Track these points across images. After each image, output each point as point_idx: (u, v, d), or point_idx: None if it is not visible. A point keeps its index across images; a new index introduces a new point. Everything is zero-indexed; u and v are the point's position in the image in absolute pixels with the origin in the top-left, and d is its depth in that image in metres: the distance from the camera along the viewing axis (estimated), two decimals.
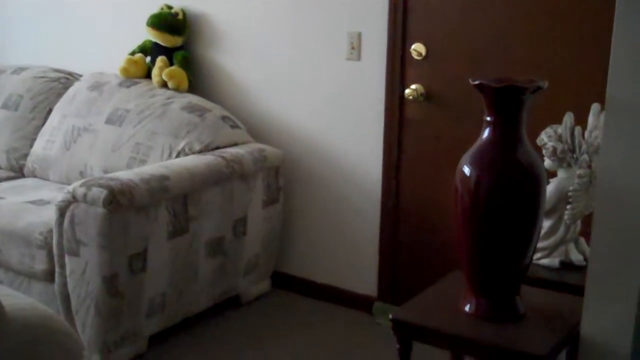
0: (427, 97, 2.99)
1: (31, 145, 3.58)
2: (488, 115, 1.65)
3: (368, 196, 3.20)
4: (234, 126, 3.26)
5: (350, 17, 3.10)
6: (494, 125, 1.64)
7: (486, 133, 1.65)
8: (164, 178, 2.73)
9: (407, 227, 3.14)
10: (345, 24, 3.12)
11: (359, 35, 3.09)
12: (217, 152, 3.07)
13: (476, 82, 1.63)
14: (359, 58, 3.12)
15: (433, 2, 2.91)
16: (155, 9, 3.48)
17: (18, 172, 3.60)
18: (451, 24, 2.89)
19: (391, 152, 3.10)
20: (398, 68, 3.02)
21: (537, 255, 2.01)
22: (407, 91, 3.00)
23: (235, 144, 3.20)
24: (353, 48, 3.12)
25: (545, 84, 1.63)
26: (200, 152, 3.09)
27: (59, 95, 3.64)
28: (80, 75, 3.76)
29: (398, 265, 3.18)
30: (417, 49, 2.97)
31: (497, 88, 1.60)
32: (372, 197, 3.18)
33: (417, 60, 2.98)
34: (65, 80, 3.73)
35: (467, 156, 1.67)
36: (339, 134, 3.23)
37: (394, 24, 2.99)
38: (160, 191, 2.69)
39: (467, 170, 1.65)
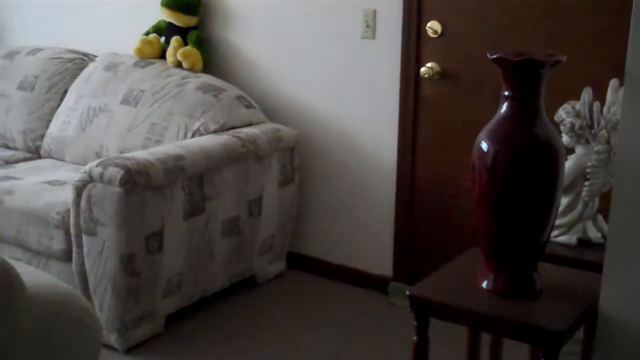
0: (442, 75, 2.97)
1: (47, 126, 3.59)
2: (506, 90, 1.63)
3: (383, 176, 3.19)
4: (249, 106, 3.26)
5: None
6: (512, 99, 1.63)
7: (504, 108, 1.64)
8: (179, 157, 2.74)
9: (422, 207, 3.13)
10: (359, 1, 3.09)
11: (374, 12, 3.07)
12: (232, 132, 3.07)
13: (494, 56, 1.61)
14: (373, 36, 3.10)
15: None
16: None
17: (34, 153, 3.62)
18: (467, 1, 2.86)
19: (406, 131, 3.09)
20: (413, 46, 3.00)
21: (555, 232, 2.00)
22: (422, 69, 2.98)
23: (250, 124, 3.20)
24: (368, 26, 3.10)
25: (563, 58, 1.62)
26: (215, 132, 3.09)
27: (74, 76, 3.65)
28: (95, 56, 3.76)
29: (413, 245, 3.18)
30: (433, 26, 2.94)
31: (515, 62, 1.58)
32: (388, 177, 3.17)
33: (432, 38, 2.96)
34: (80, 61, 3.74)
35: (484, 131, 1.66)
36: (354, 113, 3.22)
37: (409, 1, 2.97)
38: (176, 171, 2.70)
39: (484, 145, 1.63)
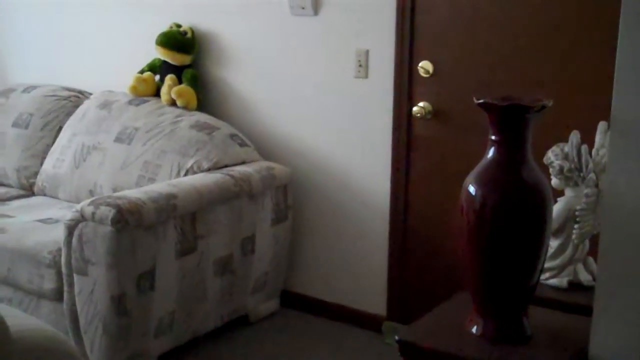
0: (434, 114, 2.99)
1: (41, 164, 3.61)
2: (493, 134, 1.63)
3: (376, 214, 3.19)
4: (243, 144, 3.27)
5: (358, 34, 3.11)
6: (498, 144, 1.63)
7: (491, 152, 1.64)
8: (172, 196, 2.74)
9: (415, 245, 3.12)
10: (352, 41, 3.12)
11: (367, 52, 3.10)
12: (225, 170, 3.07)
13: (480, 101, 1.62)
14: (366, 75, 3.12)
15: (440, 21, 2.91)
16: (164, 28, 3.50)
17: (28, 190, 3.63)
18: (458, 42, 2.89)
19: (399, 170, 3.09)
20: (405, 86, 3.02)
21: (546, 274, 1.99)
22: (414, 109, 3.00)
23: (243, 162, 3.21)
24: (360, 66, 3.12)
25: (550, 103, 1.62)
26: (208, 170, 3.09)
27: (69, 113, 3.67)
28: (90, 94, 3.79)
29: (407, 283, 3.17)
30: (425, 66, 2.97)
31: (501, 107, 1.59)
32: (381, 215, 3.17)
33: (424, 78, 2.98)
34: (75, 99, 3.76)
35: (472, 175, 1.66)
36: (347, 151, 3.23)
37: (401, 41, 3.00)
38: (168, 209, 2.70)
39: (472, 189, 1.63)
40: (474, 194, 1.63)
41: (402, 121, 3.05)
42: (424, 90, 2.99)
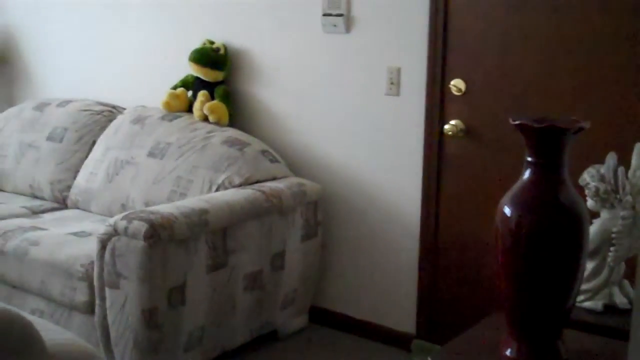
0: (466, 132, 2.98)
1: (75, 177, 3.65)
2: (529, 156, 1.62)
3: (407, 232, 3.18)
4: (273, 160, 3.28)
5: (390, 52, 3.11)
6: (534, 165, 1.62)
7: (527, 173, 1.63)
8: (203, 212, 2.75)
9: (446, 264, 3.10)
10: (384, 59, 3.13)
11: (399, 70, 3.10)
12: (256, 186, 3.09)
13: (516, 122, 1.61)
14: (398, 93, 3.12)
15: (473, 38, 2.91)
16: (197, 44, 3.54)
17: (62, 203, 3.67)
18: (491, 60, 2.88)
19: (430, 188, 3.08)
20: (437, 103, 3.01)
21: (581, 297, 1.96)
22: (446, 127, 2.99)
23: (274, 178, 3.22)
24: (392, 83, 3.13)
25: (587, 124, 1.61)
26: (239, 185, 3.11)
27: (103, 128, 3.72)
28: (124, 109, 3.84)
29: (437, 302, 3.15)
30: (457, 84, 2.96)
31: (538, 128, 1.58)
32: (411, 233, 3.16)
33: (456, 96, 2.98)
34: (108, 113, 3.81)
35: (507, 197, 1.65)
36: (378, 168, 3.23)
37: (433, 59, 3.00)
38: (200, 225, 2.72)
39: (507, 211, 1.62)
40: (509, 215, 1.62)
41: (434, 139, 3.04)
42: (456, 108, 2.99)
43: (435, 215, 3.09)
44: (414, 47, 3.04)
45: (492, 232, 1.67)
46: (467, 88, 2.95)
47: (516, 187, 1.65)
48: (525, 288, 1.63)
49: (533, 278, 1.62)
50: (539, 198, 1.61)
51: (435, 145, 3.04)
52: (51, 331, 1.79)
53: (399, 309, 3.24)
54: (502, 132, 2.86)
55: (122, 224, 2.62)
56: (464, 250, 3.04)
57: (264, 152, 3.29)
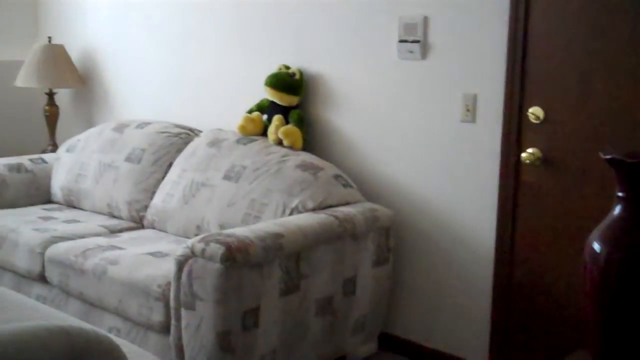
0: (544, 161, 2.93)
1: (151, 198, 3.73)
2: (620, 191, 1.59)
3: (480, 261, 3.13)
4: (346, 185, 3.29)
5: (466, 78, 3.10)
6: (625, 201, 1.59)
7: (617, 209, 1.60)
8: (278, 236, 2.78)
9: (520, 295, 3.04)
10: (461, 85, 3.11)
11: (475, 96, 3.08)
12: (329, 210, 3.10)
13: (608, 157, 1.58)
14: (474, 120, 3.10)
15: (552, 66, 2.87)
16: (273, 69, 3.59)
17: (138, 223, 3.75)
18: (571, 88, 2.83)
19: (505, 217, 3.03)
20: (515, 131, 2.97)
21: None
22: (523, 155, 2.95)
23: (347, 203, 3.23)
24: (468, 110, 3.10)
25: None
26: (313, 210, 3.12)
27: (180, 150, 3.79)
28: (200, 131, 3.91)
29: (511, 333, 3.08)
30: (535, 112, 2.92)
31: (629, 163, 1.55)
32: (485, 263, 3.12)
33: (534, 124, 2.93)
34: (185, 136, 3.89)
35: (597, 231, 1.62)
36: (451, 195, 3.20)
37: (511, 86, 2.96)
38: (274, 249, 2.74)
39: (597, 246, 1.59)
40: (598, 251, 1.59)
41: (510, 167, 3.00)
42: (534, 136, 2.94)
43: (510, 245, 3.04)
44: (491, 73, 3.02)
45: (580, 267, 1.64)
46: (545, 116, 2.90)
47: (606, 222, 1.62)
48: (615, 325, 1.59)
49: (623, 315, 1.58)
50: (630, 235, 1.57)
51: (511, 173, 3.00)
52: (133, 352, 1.83)
53: (471, 339, 3.19)
54: (582, 162, 2.80)
55: (200, 246, 2.66)
56: (541, 283, 2.97)
57: (337, 176, 3.30)
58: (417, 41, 3.19)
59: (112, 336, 1.64)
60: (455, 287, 3.23)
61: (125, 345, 1.92)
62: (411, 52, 3.22)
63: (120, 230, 3.62)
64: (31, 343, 1.33)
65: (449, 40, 3.13)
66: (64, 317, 1.98)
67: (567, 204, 2.86)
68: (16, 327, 1.36)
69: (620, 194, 1.59)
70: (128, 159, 3.90)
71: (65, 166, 4.16)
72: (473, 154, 3.12)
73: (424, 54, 3.20)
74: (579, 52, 2.80)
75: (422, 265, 3.33)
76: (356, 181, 3.40)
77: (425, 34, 3.19)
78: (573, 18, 2.80)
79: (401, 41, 3.24)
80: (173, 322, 2.77)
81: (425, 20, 3.18)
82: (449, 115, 3.17)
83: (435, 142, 3.23)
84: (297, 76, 3.52)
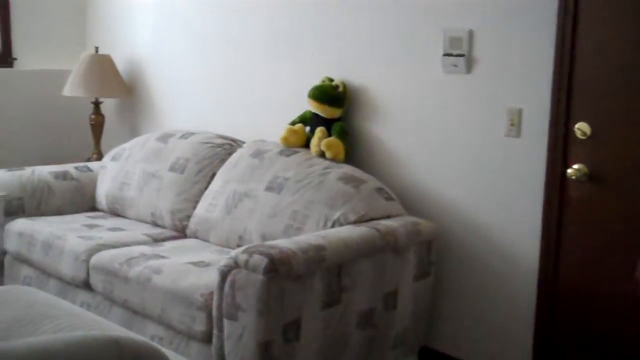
0: (590, 177, 2.89)
1: (194, 207, 3.76)
2: None
3: (524, 277, 3.10)
4: (389, 198, 3.29)
5: (511, 93, 3.08)
6: None
7: None
8: (320, 248, 2.78)
9: (565, 312, 3.00)
10: (505, 99, 3.09)
11: (520, 111, 3.06)
12: (371, 223, 3.10)
13: None
14: (518, 135, 3.07)
15: (599, 82, 2.84)
16: (316, 81, 3.61)
17: (181, 232, 3.79)
18: (619, 104, 2.80)
19: (550, 233, 3.00)
20: (560, 147, 2.94)
21: None
22: (569, 171, 2.92)
23: (389, 216, 3.22)
24: (512, 124, 3.08)
25: None
26: (354, 222, 3.13)
27: (223, 160, 3.83)
28: (243, 142, 3.94)
29: (555, 352, 3.04)
30: (582, 128, 2.89)
31: None
32: (528, 279, 3.08)
33: (580, 139, 2.90)
34: (228, 147, 3.92)
35: None
36: (495, 210, 3.17)
37: (557, 101, 2.94)
38: (316, 261, 2.74)
39: None
40: None
41: (555, 183, 2.97)
42: (580, 152, 2.91)
43: (555, 261, 3.00)
44: (536, 88, 2.99)
45: (628, 286, 1.61)
46: (592, 132, 2.87)
47: None
48: None
49: None
50: None
51: (556, 189, 2.97)
52: None
53: (513, 356, 3.16)
54: (630, 179, 2.76)
55: (243, 257, 2.68)
56: (586, 300, 2.93)
57: (379, 189, 3.30)
58: (462, 55, 3.18)
59: (160, 346, 1.66)
60: (498, 303, 3.20)
61: (171, 355, 1.94)
62: (455, 65, 3.21)
63: (164, 239, 3.66)
64: (81, 353, 1.35)
65: (493, 54, 3.12)
66: (112, 326, 2.00)
67: (613, 221, 2.82)
68: (66, 337, 1.38)
69: None
70: (172, 169, 3.94)
71: (110, 174, 4.22)
72: (517, 168, 3.09)
73: (469, 67, 3.19)
74: (626, 67, 2.76)
75: (464, 279, 3.31)
76: (398, 194, 3.39)
77: (470, 47, 3.18)
78: (621, 32, 2.77)
79: (446, 55, 3.24)
80: (215, 331, 2.79)
81: (471, 33, 3.17)
82: (493, 129, 3.15)
83: (478, 156, 3.21)
84: (341, 89, 3.53)
